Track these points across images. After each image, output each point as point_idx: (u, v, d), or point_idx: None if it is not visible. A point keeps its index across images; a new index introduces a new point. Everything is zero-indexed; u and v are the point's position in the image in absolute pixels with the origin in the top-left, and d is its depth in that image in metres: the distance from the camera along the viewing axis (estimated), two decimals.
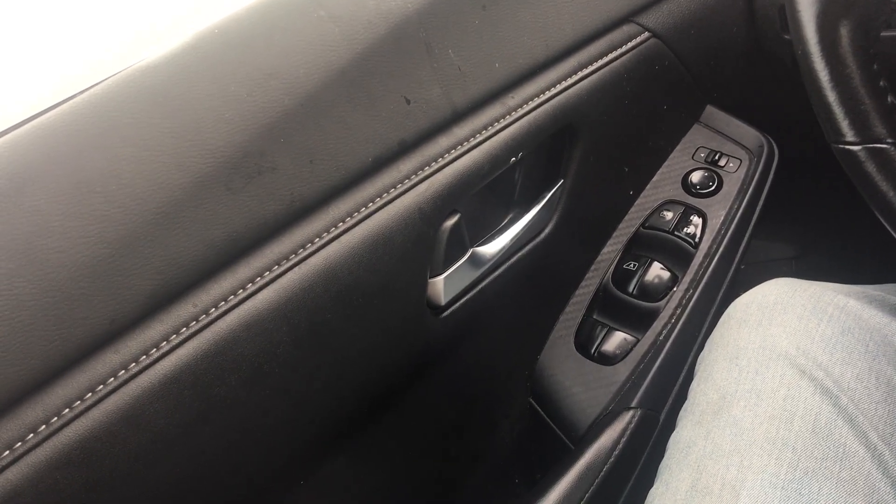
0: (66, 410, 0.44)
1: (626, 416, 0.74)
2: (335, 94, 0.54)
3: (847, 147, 0.55)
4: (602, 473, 0.72)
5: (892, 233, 0.55)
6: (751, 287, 0.64)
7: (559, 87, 0.68)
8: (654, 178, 0.86)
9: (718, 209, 0.82)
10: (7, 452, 0.42)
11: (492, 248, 0.69)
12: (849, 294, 0.60)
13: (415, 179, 0.58)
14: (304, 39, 0.54)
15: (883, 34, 0.55)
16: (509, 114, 0.64)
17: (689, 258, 0.80)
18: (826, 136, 0.57)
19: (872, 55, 0.55)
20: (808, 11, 0.55)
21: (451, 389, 0.78)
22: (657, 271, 0.81)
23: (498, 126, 0.63)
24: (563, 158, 0.74)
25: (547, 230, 0.75)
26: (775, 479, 0.50)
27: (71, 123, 0.47)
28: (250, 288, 0.51)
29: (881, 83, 0.55)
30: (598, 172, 0.78)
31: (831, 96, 0.55)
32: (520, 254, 0.73)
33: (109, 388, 0.45)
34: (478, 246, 0.68)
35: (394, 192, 0.57)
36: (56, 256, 0.44)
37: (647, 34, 0.74)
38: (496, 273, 0.71)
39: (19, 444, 0.43)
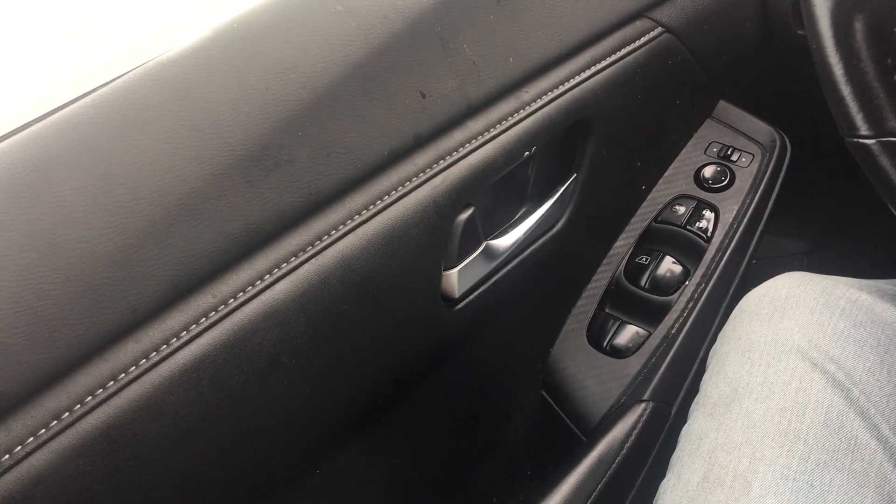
0: (89, 398, 0.45)
1: (638, 409, 0.74)
2: (352, 88, 0.54)
3: (861, 141, 0.55)
4: (614, 465, 0.72)
5: None
6: (763, 282, 0.64)
7: (573, 82, 0.68)
8: (667, 173, 0.87)
9: (731, 204, 0.82)
10: (31, 439, 0.43)
11: (505, 242, 0.70)
12: (861, 288, 0.60)
13: (430, 173, 0.59)
14: (321, 34, 0.54)
15: None
16: (523, 108, 0.64)
17: (701, 252, 0.81)
18: (840, 130, 0.57)
19: (886, 49, 0.55)
20: (823, 6, 0.55)
21: (464, 382, 0.79)
22: (669, 265, 0.81)
23: (512, 120, 0.64)
24: (577, 153, 0.74)
25: (560, 224, 0.75)
26: (787, 471, 0.50)
27: (94, 116, 0.48)
28: (268, 279, 0.51)
29: (895, 77, 0.55)
30: (611, 167, 0.78)
31: (845, 90, 0.55)
32: (533, 247, 0.73)
33: (131, 376, 0.46)
34: (492, 239, 0.69)
35: (409, 186, 0.58)
36: (79, 247, 0.44)
37: (660, 29, 0.75)
38: (509, 266, 0.71)
39: (43, 430, 0.43)
